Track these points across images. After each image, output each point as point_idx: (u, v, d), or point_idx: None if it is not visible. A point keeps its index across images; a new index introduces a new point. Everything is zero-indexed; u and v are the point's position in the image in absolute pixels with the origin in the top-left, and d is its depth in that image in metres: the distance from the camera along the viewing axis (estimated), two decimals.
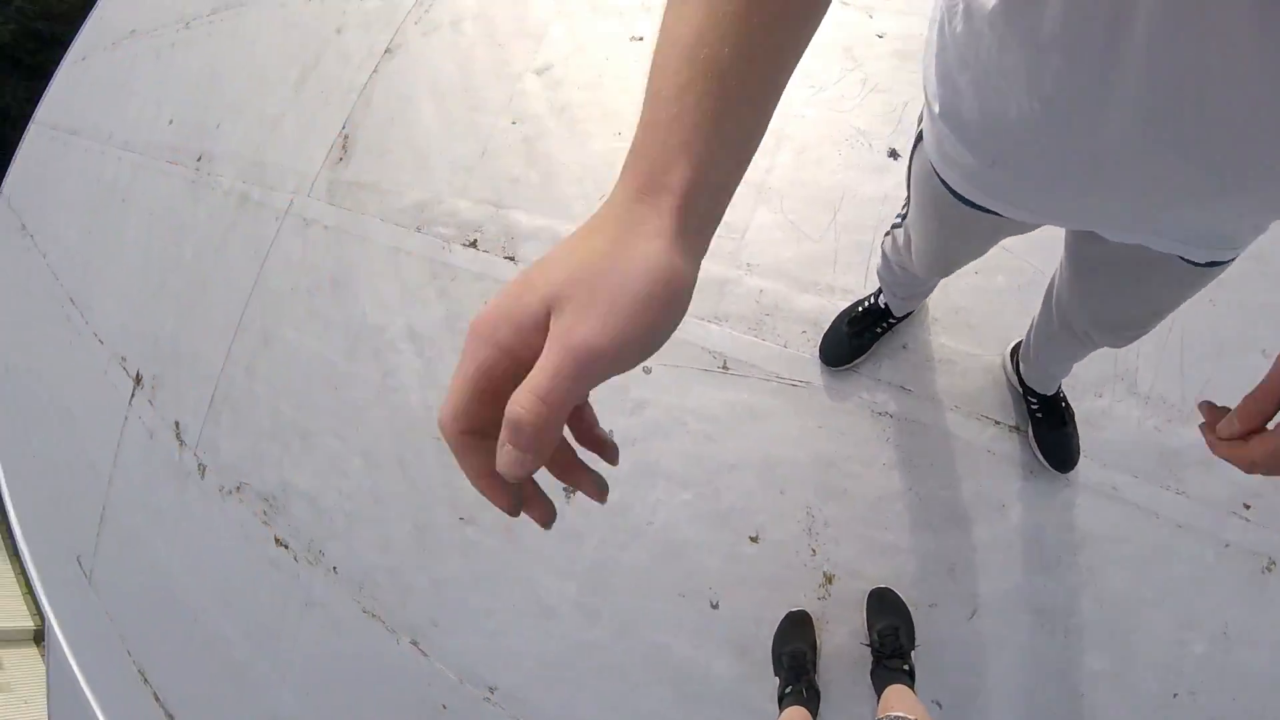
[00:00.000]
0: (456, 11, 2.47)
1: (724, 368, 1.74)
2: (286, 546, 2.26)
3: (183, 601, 2.67)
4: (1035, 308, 1.77)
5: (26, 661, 11.77)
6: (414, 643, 2.00)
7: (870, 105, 1.88)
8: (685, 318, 0.30)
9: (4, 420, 4.65)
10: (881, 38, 1.95)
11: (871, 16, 1.98)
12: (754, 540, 1.70)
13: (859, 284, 1.75)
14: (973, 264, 1.78)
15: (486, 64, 2.28)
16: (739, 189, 0.35)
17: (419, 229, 2.15)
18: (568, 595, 1.79)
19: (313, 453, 2.22)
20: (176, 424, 2.75)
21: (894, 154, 1.83)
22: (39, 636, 12.72)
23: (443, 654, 1.96)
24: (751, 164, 0.34)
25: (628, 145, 0.32)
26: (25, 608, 12.39)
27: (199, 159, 3.11)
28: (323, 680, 2.21)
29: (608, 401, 1.79)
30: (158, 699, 2.84)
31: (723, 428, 1.73)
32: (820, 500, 1.70)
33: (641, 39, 2.08)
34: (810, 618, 1.63)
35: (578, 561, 1.79)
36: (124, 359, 3.17)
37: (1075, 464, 1.52)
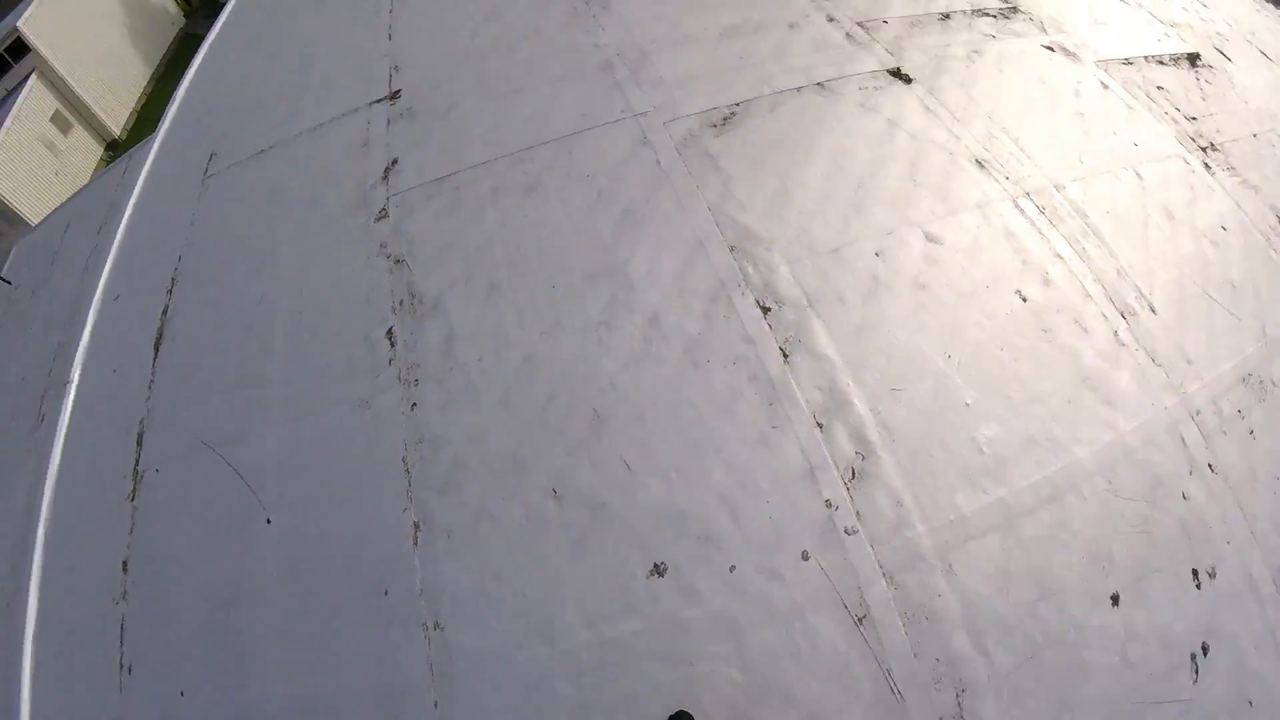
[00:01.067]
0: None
1: (859, 621, 1.72)
2: (393, 344, 2.24)
3: (268, 275, 2.65)
4: None
5: (87, 151, 14.18)
6: (422, 595, 1.94)
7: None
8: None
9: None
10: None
11: (1186, 497, 1.97)
12: None
13: None
14: None
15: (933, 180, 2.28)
16: None
17: (732, 248, 2.13)
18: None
19: (490, 307, 2.18)
20: (394, 161, 2.73)
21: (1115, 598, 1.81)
22: (113, 146, 14.47)
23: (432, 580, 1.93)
24: None
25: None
26: (123, 122, 14.56)
27: None
28: (302, 470, 2.17)
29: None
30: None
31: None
32: None
33: (1025, 300, 2.07)
34: None
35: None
36: (396, 68, 3.16)
37: None
